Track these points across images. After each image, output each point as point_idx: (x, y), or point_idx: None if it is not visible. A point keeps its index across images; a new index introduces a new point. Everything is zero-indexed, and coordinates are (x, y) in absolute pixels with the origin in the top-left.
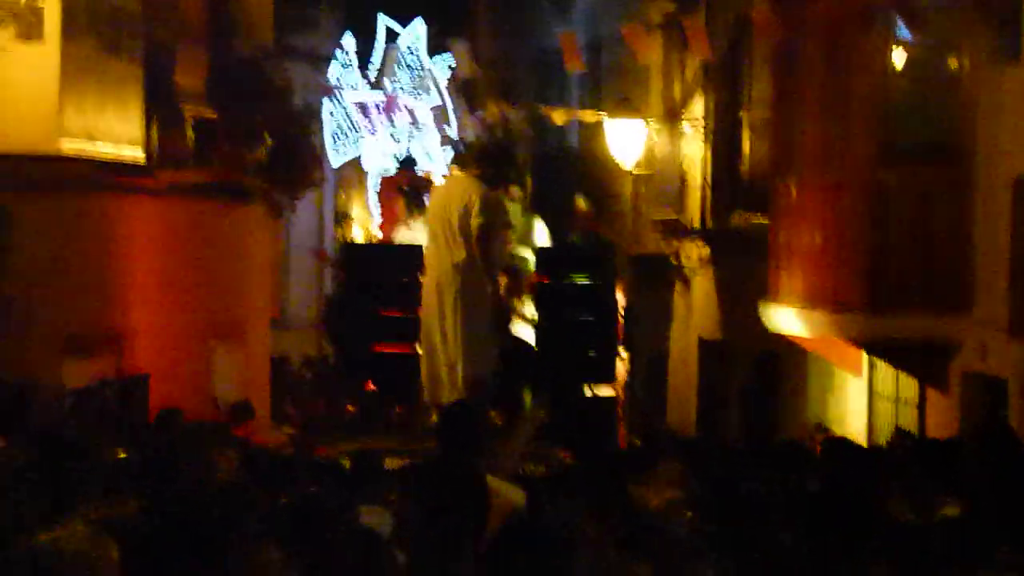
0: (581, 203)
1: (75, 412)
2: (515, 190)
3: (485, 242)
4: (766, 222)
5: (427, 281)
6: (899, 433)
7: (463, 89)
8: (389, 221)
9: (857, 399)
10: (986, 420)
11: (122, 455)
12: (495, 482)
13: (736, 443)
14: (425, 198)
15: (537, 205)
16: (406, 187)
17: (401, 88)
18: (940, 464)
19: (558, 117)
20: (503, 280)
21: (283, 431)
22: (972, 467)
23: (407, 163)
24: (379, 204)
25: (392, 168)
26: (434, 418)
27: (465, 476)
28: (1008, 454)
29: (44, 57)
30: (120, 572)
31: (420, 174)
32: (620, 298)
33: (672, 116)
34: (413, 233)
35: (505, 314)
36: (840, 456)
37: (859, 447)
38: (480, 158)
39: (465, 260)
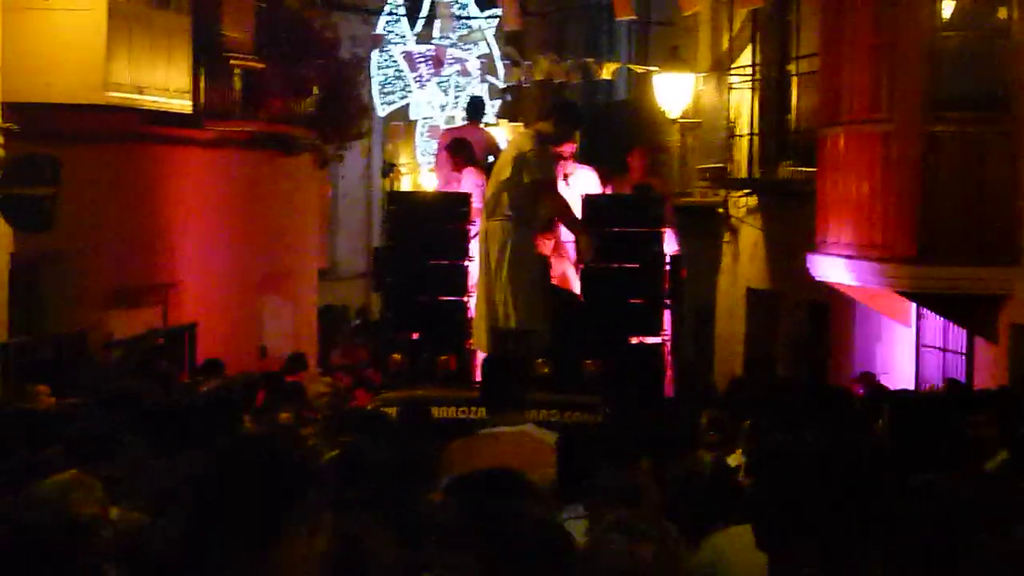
0: (636, 155)
1: (124, 362)
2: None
3: (535, 196)
4: (814, 172)
5: (482, 228)
6: (950, 382)
7: (510, 41)
8: (443, 173)
9: (905, 349)
10: None
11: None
12: (533, 429)
13: (784, 393)
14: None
15: (587, 157)
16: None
17: (449, 39)
18: (992, 412)
19: (606, 73)
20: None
21: (323, 382)
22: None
23: (476, 107)
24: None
25: (441, 119)
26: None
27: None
28: None
29: (91, 9)
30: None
31: (482, 126)
32: (668, 247)
33: (720, 67)
34: (465, 183)
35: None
36: (900, 408)
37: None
38: (547, 115)
39: (515, 209)
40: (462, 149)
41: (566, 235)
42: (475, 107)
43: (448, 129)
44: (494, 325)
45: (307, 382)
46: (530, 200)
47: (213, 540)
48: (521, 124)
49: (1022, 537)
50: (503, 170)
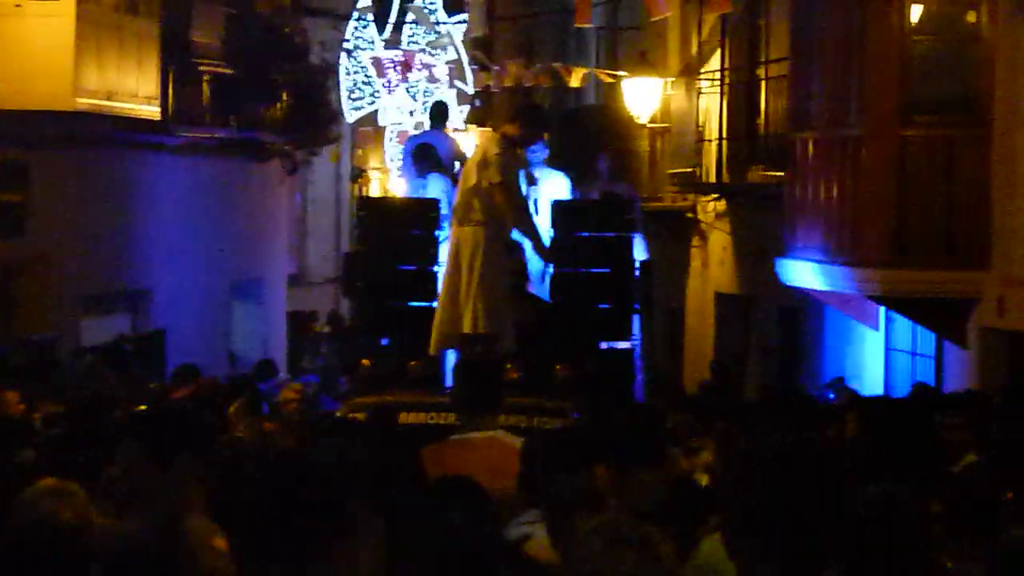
0: (604, 159)
1: (94, 369)
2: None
3: (502, 199)
4: (783, 176)
5: (451, 233)
6: (920, 386)
7: (478, 46)
8: (408, 177)
9: (874, 353)
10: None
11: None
12: (503, 435)
13: (754, 396)
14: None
15: (556, 162)
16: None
17: (417, 45)
18: (963, 415)
19: (575, 79)
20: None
21: (292, 388)
22: (998, 418)
23: (439, 113)
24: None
25: (409, 125)
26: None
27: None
28: None
29: (60, 15)
30: None
31: (447, 132)
32: (637, 252)
33: (689, 71)
34: (431, 189)
35: (522, 270)
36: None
37: (891, 400)
38: (514, 118)
39: (483, 212)
40: (426, 155)
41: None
42: (438, 112)
43: (413, 136)
44: (463, 330)
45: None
46: (494, 202)
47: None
48: (489, 129)
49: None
50: (470, 175)
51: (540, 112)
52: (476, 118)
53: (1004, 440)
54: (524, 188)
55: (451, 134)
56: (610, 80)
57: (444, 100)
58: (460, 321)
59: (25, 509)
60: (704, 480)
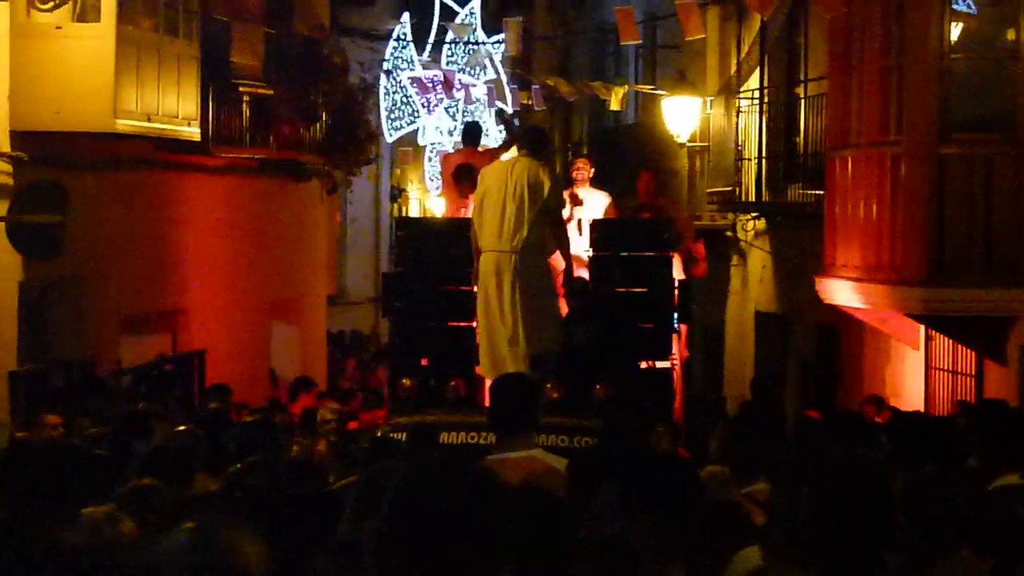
0: (644, 178)
1: (134, 389)
2: (583, 164)
3: (555, 223)
4: (822, 195)
5: (484, 257)
6: (962, 405)
7: (515, 66)
8: (451, 199)
9: (914, 371)
10: None
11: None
12: (540, 454)
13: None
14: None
15: (596, 180)
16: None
17: (457, 65)
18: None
19: (615, 101)
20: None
21: (328, 408)
22: None
23: (472, 133)
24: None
25: (448, 144)
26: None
27: None
28: None
29: (100, 37)
30: None
31: (480, 151)
32: (677, 271)
33: (728, 90)
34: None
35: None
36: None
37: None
38: (520, 143)
39: (527, 239)
40: (468, 175)
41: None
42: (471, 132)
43: (447, 155)
44: (503, 350)
45: (314, 406)
46: (543, 228)
47: None
48: (525, 152)
49: None
50: (506, 196)
51: (542, 134)
52: (528, 142)
53: None
54: (568, 210)
55: (485, 153)
56: (649, 95)
57: (478, 120)
58: (506, 344)
59: (87, 533)
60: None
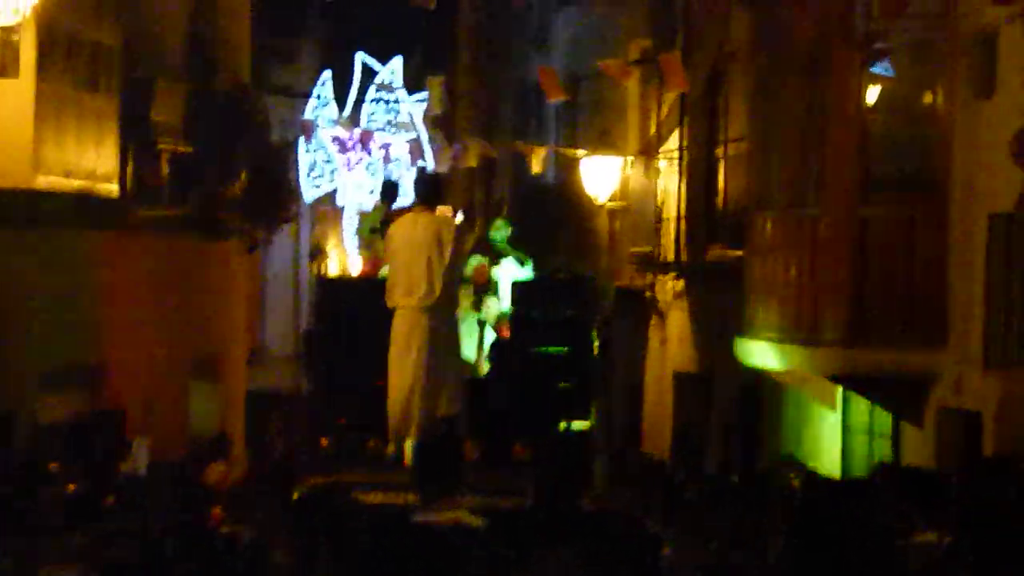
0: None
1: (49, 446)
2: (501, 223)
3: (458, 273)
4: (742, 256)
5: (398, 315)
6: (882, 466)
7: (436, 124)
8: (368, 258)
9: (831, 432)
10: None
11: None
12: (463, 515)
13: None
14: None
15: (518, 240)
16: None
17: (376, 124)
18: (919, 494)
19: (536, 162)
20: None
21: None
22: (959, 499)
23: (388, 190)
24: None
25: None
26: (391, 449)
27: None
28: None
29: (19, 92)
30: None
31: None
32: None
33: (649, 151)
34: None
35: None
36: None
37: (835, 481)
38: (419, 188)
39: (437, 296)
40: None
41: None
42: (387, 190)
43: (364, 213)
44: (414, 407)
45: (232, 466)
46: (451, 284)
47: None
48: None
49: None
50: (412, 254)
51: (436, 182)
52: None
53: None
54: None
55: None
56: (571, 156)
57: (396, 179)
58: (418, 403)
59: None
60: None
